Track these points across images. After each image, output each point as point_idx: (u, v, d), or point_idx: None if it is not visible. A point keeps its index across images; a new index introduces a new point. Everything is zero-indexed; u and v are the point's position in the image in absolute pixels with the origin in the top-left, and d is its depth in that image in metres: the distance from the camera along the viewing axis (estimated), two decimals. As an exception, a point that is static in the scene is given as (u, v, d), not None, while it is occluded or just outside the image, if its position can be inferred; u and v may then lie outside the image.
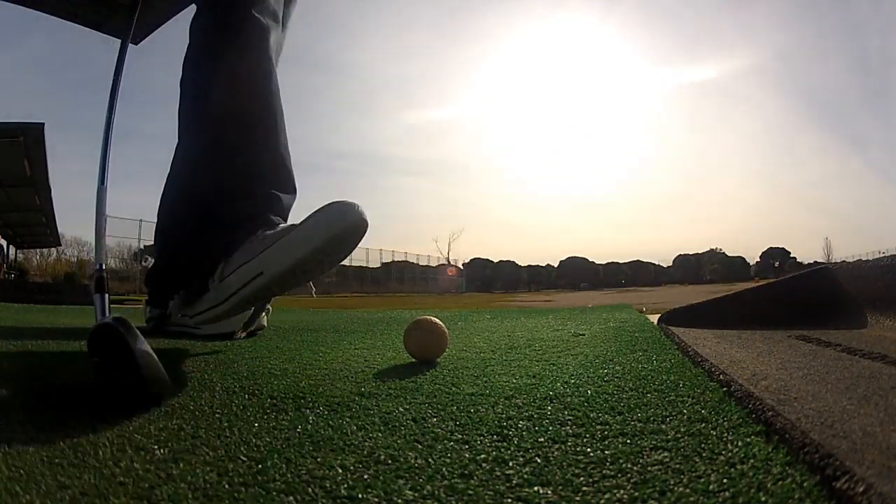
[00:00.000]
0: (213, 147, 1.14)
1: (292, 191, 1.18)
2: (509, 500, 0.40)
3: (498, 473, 0.45)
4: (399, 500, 0.40)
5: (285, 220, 1.11)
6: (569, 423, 0.60)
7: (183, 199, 1.19)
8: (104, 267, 0.87)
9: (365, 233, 0.90)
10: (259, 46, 1.23)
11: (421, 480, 0.44)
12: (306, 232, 0.88)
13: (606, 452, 0.49)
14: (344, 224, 0.87)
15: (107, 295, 0.85)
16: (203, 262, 1.04)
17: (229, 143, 1.13)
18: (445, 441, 0.54)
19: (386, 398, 0.71)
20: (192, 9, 1.45)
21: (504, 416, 0.63)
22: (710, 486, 0.41)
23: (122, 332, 0.65)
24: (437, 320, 1.02)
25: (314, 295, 1.23)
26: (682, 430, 0.56)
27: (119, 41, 1.61)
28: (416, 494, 0.41)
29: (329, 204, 0.89)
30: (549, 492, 0.41)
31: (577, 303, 5.79)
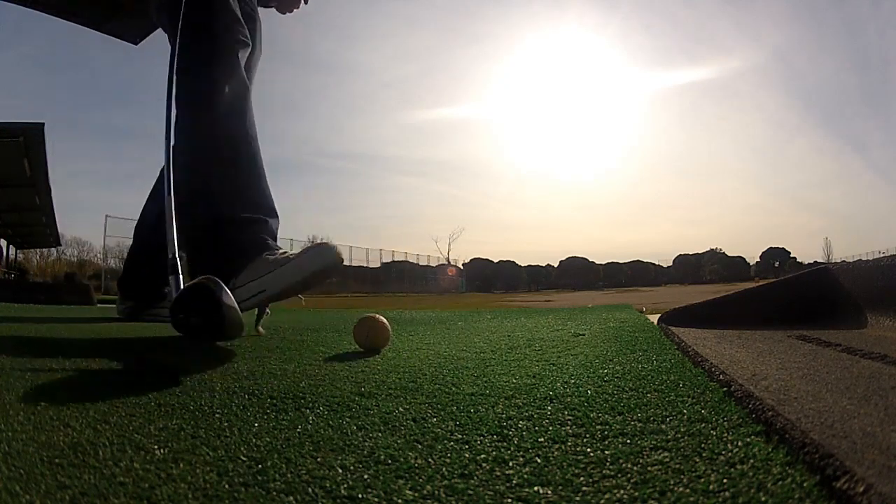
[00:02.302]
0: (212, 170, 1.43)
1: (275, 215, 1.48)
2: (509, 500, 0.40)
3: (498, 473, 0.45)
4: (399, 500, 0.40)
5: (275, 241, 1.41)
6: (569, 423, 0.60)
7: (185, 216, 1.32)
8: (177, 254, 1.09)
9: (340, 267, 1.26)
10: (237, 72, 1.51)
11: (421, 480, 0.44)
12: (298, 266, 1.22)
13: (606, 452, 0.49)
14: (324, 263, 1.23)
15: (181, 277, 1.04)
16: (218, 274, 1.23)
17: (225, 169, 1.44)
18: (445, 441, 0.54)
19: (386, 398, 0.71)
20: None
21: (504, 416, 0.63)
22: (710, 486, 0.41)
23: (212, 288, 0.89)
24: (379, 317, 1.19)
25: (303, 302, 1.54)
26: (682, 430, 0.56)
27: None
28: (416, 494, 0.41)
29: (315, 245, 1.25)
30: (549, 492, 0.41)
31: (577, 303, 5.79)
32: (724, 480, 0.42)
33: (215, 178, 1.43)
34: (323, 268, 1.21)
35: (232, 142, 1.46)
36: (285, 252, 1.28)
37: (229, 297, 0.89)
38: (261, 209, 1.44)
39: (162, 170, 1.85)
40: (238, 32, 1.57)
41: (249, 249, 1.31)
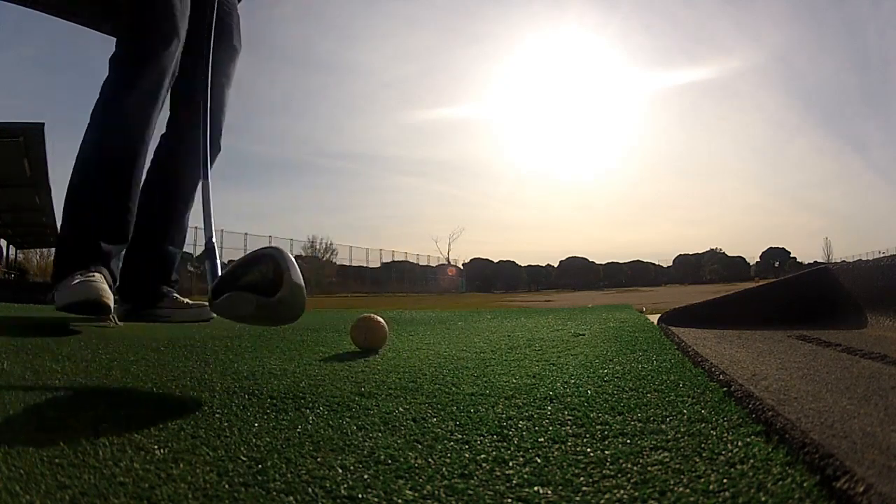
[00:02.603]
0: (79, 190, 1.60)
1: (121, 241, 1.63)
2: (509, 500, 0.40)
3: (498, 473, 0.45)
4: (399, 500, 0.40)
5: (106, 265, 1.54)
6: (569, 423, 0.60)
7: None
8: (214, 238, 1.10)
9: (101, 306, 1.35)
10: (148, 87, 1.62)
11: (421, 480, 0.44)
12: (69, 292, 1.36)
13: (606, 452, 0.49)
14: (81, 297, 1.33)
15: (218, 261, 1.01)
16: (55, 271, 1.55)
17: (90, 193, 1.61)
18: (445, 441, 0.54)
19: (386, 398, 0.71)
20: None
21: (504, 416, 0.63)
22: (710, 486, 0.41)
23: (277, 258, 0.77)
24: (375, 317, 1.21)
25: (111, 325, 1.63)
26: (682, 430, 0.56)
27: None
28: (416, 494, 0.41)
29: (81, 281, 1.38)
30: (549, 492, 0.41)
31: (577, 303, 5.80)
32: (724, 480, 0.42)
33: (90, 191, 1.61)
34: (80, 300, 1.34)
35: (118, 163, 1.62)
36: (91, 276, 1.43)
37: (297, 272, 0.75)
38: (109, 234, 1.60)
39: (151, 164, 1.96)
40: (169, 47, 1.66)
41: (71, 264, 1.50)
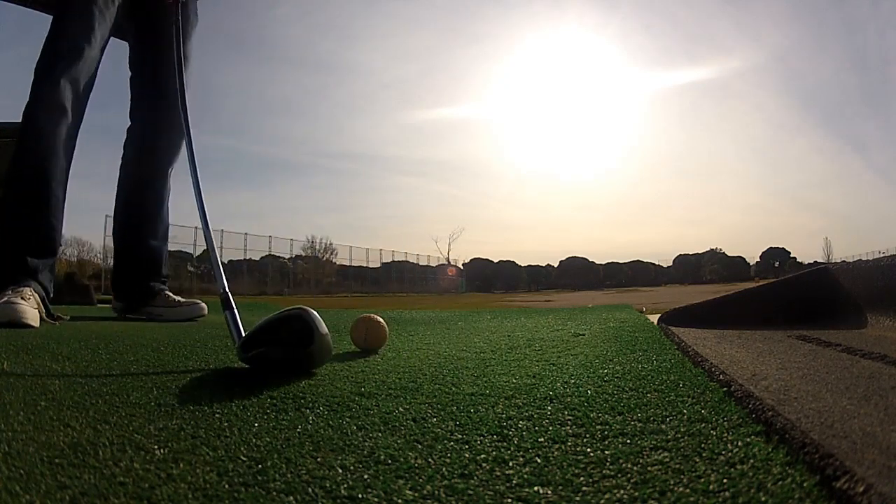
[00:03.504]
0: (4, 208, 1.72)
1: (48, 255, 1.72)
2: (509, 500, 0.40)
3: (498, 473, 0.45)
4: (399, 500, 0.40)
5: (35, 279, 1.65)
6: (569, 423, 0.60)
7: None
8: (227, 288, 1.11)
9: (23, 327, 1.42)
10: (62, 96, 1.66)
11: (421, 480, 0.44)
12: None
13: (606, 452, 0.49)
14: (4, 319, 1.42)
15: (236, 311, 1.05)
16: None
17: (13, 211, 1.70)
18: (445, 441, 0.54)
19: (386, 398, 0.71)
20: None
21: (504, 416, 0.63)
22: (710, 486, 0.41)
23: (306, 318, 0.85)
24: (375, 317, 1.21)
25: (57, 324, 1.65)
26: (682, 430, 0.56)
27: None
28: (416, 494, 0.41)
29: (7, 301, 1.47)
30: (549, 492, 0.41)
31: (577, 303, 5.80)
32: (724, 480, 0.42)
33: (13, 209, 1.70)
34: (4, 321, 1.43)
35: (35, 179, 1.69)
36: (18, 295, 1.54)
37: (322, 325, 0.86)
38: (36, 249, 1.69)
39: (122, 158, 2.06)
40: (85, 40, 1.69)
41: (1, 280, 1.60)
